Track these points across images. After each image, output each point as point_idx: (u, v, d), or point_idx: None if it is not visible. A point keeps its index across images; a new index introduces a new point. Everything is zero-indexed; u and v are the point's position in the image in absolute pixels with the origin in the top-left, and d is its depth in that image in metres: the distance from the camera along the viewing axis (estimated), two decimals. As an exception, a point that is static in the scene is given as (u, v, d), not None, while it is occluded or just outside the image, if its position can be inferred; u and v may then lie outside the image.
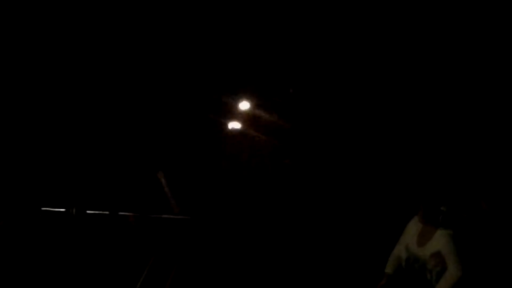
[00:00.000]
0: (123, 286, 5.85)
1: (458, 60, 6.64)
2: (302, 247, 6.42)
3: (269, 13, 6.95)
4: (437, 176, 6.24)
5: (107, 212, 6.24)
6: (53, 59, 6.96)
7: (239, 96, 7.03)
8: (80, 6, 6.87)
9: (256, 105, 7.03)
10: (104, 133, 7.01)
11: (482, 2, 6.48)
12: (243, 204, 6.84)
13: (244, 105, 7.03)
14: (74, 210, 6.03)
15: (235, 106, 7.02)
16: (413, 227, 4.76)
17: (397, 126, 6.82)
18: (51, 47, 6.95)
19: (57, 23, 6.90)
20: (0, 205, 6.18)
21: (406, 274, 4.75)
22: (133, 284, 5.85)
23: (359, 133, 6.93)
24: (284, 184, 6.95)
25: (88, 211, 6.18)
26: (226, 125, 7.03)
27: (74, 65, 7.00)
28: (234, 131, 7.02)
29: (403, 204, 5.54)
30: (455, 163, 6.39)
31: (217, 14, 7.00)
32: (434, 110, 6.71)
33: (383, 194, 6.57)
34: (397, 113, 6.85)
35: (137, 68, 7.03)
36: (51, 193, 6.46)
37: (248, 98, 7.03)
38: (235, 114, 7.01)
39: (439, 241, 4.54)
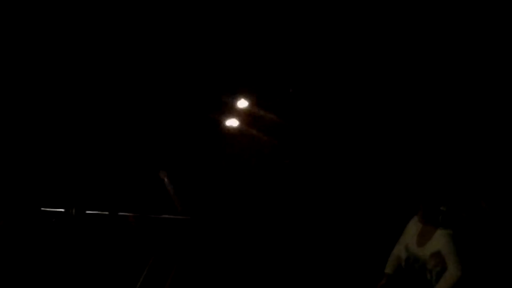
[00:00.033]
0: (123, 286, 5.85)
1: (458, 60, 6.64)
2: (302, 247, 6.41)
3: (268, 11, 6.95)
4: (437, 176, 6.24)
5: (106, 212, 6.23)
6: (52, 59, 6.96)
7: (237, 94, 7.02)
8: (77, 5, 6.87)
9: (254, 103, 7.01)
10: (103, 133, 7.01)
11: (482, 2, 6.49)
12: (243, 204, 6.84)
13: (242, 103, 7.01)
14: (73, 210, 6.02)
15: (233, 104, 7.00)
16: (413, 227, 4.76)
17: (397, 126, 6.81)
18: (51, 47, 6.95)
19: (57, 23, 6.90)
20: (0, 205, 6.17)
21: (406, 274, 4.75)
22: (133, 284, 5.85)
23: (359, 133, 6.92)
24: (284, 184, 6.94)
25: (87, 211, 6.17)
26: (223, 123, 7.01)
27: (73, 65, 6.99)
28: (232, 129, 7.00)
29: (403, 204, 5.54)
30: (455, 163, 6.38)
31: (215, 12, 6.99)
32: (434, 110, 6.70)
33: (383, 194, 6.56)
34: (397, 113, 6.84)
35: (135, 67, 7.03)
36: (50, 193, 6.45)
37: (246, 96, 7.02)
38: (232, 112, 6.99)
39: (439, 241, 4.54)
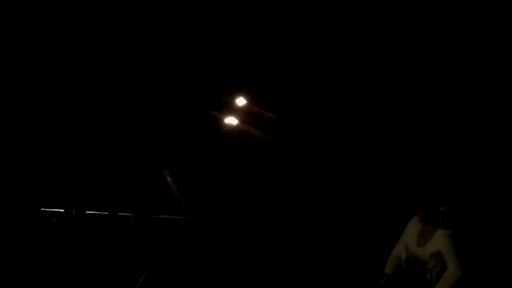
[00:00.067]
0: (123, 286, 5.85)
1: (458, 60, 6.64)
2: (302, 247, 6.41)
3: (267, 9, 6.95)
4: (437, 176, 6.24)
5: (106, 213, 6.23)
6: (52, 59, 6.96)
7: (236, 92, 7.01)
8: (74, 5, 6.88)
9: (253, 101, 7.01)
10: (103, 133, 7.00)
11: (482, 2, 6.48)
12: (243, 204, 6.84)
13: (241, 101, 6.99)
14: (73, 210, 6.02)
15: (231, 101, 6.99)
16: (413, 227, 4.76)
17: (397, 126, 6.81)
18: (51, 47, 6.95)
19: (56, 23, 6.91)
20: (0, 205, 6.17)
21: (406, 274, 4.74)
22: (133, 284, 5.85)
23: (359, 133, 6.92)
24: (284, 184, 6.94)
25: (87, 211, 6.17)
26: (222, 121, 7.00)
27: (73, 65, 6.99)
28: (230, 127, 6.99)
29: (403, 204, 5.54)
30: (455, 163, 6.38)
31: (214, 10, 6.99)
32: (434, 110, 6.70)
33: (383, 194, 6.56)
34: (397, 113, 6.84)
35: (133, 66, 7.02)
36: (50, 193, 6.45)
37: (245, 94, 7.01)
38: (231, 110, 6.98)
39: (439, 241, 4.54)
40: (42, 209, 6.07)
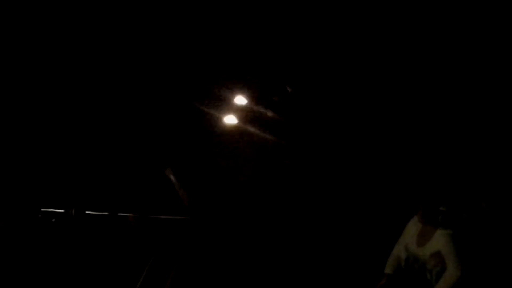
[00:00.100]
0: (123, 286, 5.85)
1: (458, 60, 6.63)
2: (302, 247, 6.41)
3: (266, 8, 6.95)
4: (437, 176, 6.23)
5: (106, 213, 6.23)
6: (52, 59, 6.96)
7: (235, 91, 7.00)
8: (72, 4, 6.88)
9: (253, 101, 7.00)
10: (102, 133, 7.00)
11: (482, 2, 6.48)
12: (243, 204, 6.83)
13: (240, 100, 6.98)
14: (73, 211, 6.02)
15: (230, 100, 6.98)
16: (413, 227, 4.76)
17: (397, 126, 6.81)
18: (51, 46, 6.95)
19: (56, 23, 6.91)
20: (0, 205, 6.17)
21: (406, 274, 4.75)
22: (133, 284, 5.85)
23: (359, 133, 6.92)
24: (284, 184, 6.94)
25: (87, 212, 6.17)
26: (221, 119, 6.99)
27: (72, 65, 6.99)
28: (230, 126, 6.98)
29: (403, 204, 5.54)
30: (454, 163, 6.38)
31: (213, 8, 6.99)
32: (434, 110, 6.70)
33: (383, 194, 6.56)
34: (397, 113, 6.83)
35: (131, 64, 7.02)
36: (50, 193, 6.45)
37: (244, 93, 7.00)
38: (231, 109, 6.97)
39: (439, 241, 4.54)
40: (42, 209, 6.07)
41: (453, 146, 6.55)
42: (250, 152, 7.07)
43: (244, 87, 7.02)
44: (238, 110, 6.95)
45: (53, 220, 6.00)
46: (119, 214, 6.27)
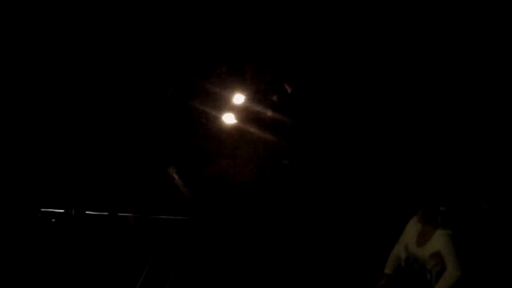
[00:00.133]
0: (123, 286, 5.85)
1: (458, 60, 6.63)
2: (302, 247, 6.41)
3: (266, 7, 6.95)
4: (437, 176, 6.23)
5: (106, 213, 6.23)
6: (52, 59, 6.96)
7: (233, 90, 6.99)
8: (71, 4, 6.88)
9: (251, 100, 7.00)
10: (102, 133, 7.00)
11: (482, 2, 6.48)
12: (243, 204, 6.84)
13: (238, 99, 6.97)
14: (73, 211, 6.02)
15: (229, 99, 6.97)
16: (413, 227, 4.76)
17: (397, 126, 6.81)
18: (50, 46, 6.95)
19: (55, 22, 6.91)
20: (0, 205, 6.18)
21: (406, 274, 4.75)
22: (132, 284, 5.85)
23: (359, 132, 6.92)
24: (283, 184, 6.94)
25: (87, 212, 6.17)
26: (219, 118, 6.99)
27: (72, 64, 7.00)
28: (228, 125, 6.97)
29: (403, 204, 5.54)
30: (454, 163, 6.38)
31: (213, 8, 6.99)
32: (434, 110, 6.70)
33: (383, 194, 6.56)
34: (397, 113, 6.83)
35: (130, 63, 7.02)
36: (50, 193, 6.46)
37: (243, 92, 6.99)
38: (229, 108, 6.97)
39: (439, 241, 4.54)
40: (42, 209, 6.07)
41: (453, 146, 6.55)
42: (249, 152, 7.07)
43: (243, 86, 7.02)
44: (237, 109, 6.95)
45: (53, 220, 6.00)
46: (119, 214, 6.27)
